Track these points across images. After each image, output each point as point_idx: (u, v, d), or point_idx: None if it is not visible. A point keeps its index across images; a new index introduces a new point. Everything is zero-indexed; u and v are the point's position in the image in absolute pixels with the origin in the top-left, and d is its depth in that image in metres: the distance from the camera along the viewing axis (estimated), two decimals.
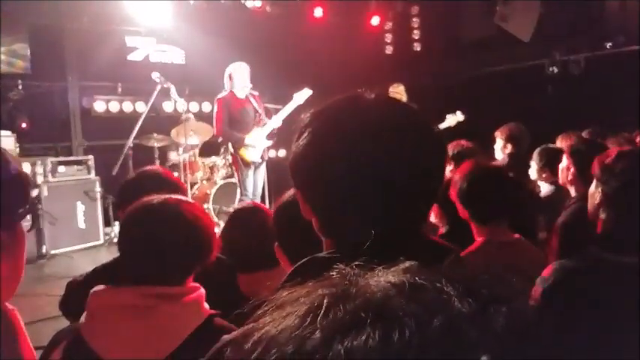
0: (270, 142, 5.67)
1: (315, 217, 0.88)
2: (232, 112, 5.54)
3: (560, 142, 4.00)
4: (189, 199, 1.50)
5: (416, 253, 0.42)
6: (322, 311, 0.36)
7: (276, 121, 5.61)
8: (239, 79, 5.47)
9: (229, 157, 7.43)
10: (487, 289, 0.37)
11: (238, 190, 7.09)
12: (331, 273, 0.42)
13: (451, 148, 3.47)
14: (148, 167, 2.26)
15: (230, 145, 5.76)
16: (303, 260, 0.83)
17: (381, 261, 0.42)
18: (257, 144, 5.52)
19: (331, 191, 0.82)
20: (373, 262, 0.42)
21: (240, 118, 5.57)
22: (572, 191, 2.82)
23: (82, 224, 6.33)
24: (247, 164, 5.54)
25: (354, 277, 0.40)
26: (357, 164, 0.80)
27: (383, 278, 0.38)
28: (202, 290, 1.40)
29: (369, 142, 0.80)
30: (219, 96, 5.60)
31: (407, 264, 0.40)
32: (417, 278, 0.38)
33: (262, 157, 5.62)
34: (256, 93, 5.72)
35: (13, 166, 0.88)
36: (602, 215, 1.57)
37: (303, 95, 5.67)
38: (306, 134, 0.85)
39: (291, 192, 1.37)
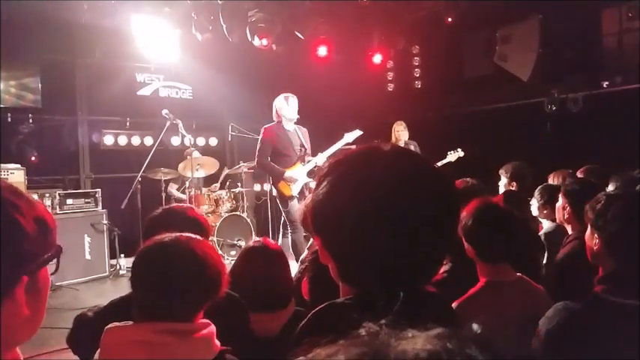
0: (310, 179, 5.42)
1: (332, 262, 0.91)
2: (276, 144, 5.38)
3: (552, 179, 4.07)
4: (212, 238, 1.54)
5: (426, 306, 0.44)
6: None
7: (321, 159, 5.45)
8: (286, 110, 5.37)
9: (235, 190, 7.54)
10: (512, 354, 0.42)
11: (243, 222, 7.12)
12: (360, 331, 0.45)
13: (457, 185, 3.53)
14: (175, 205, 2.30)
15: (270, 178, 5.64)
16: (322, 306, 0.87)
17: (408, 321, 0.45)
18: (297, 180, 5.36)
19: (348, 239, 0.86)
20: (401, 322, 0.45)
21: (284, 150, 5.40)
22: (569, 229, 2.87)
23: (87, 256, 6.36)
24: (286, 198, 5.34)
25: (386, 337, 0.42)
26: (373, 214, 0.83)
27: (418, 344, 0.41)
28: (213, 326, 1.44)
29: (386, 193, 0.83)
30: (266, 125, 5.48)
31: (439, 330, 0.43)
32: (448, 345, 0.40)
33: (303, 192, 5.41)
34: (305, 129, 5.61)
35: (37, 209, 0.83)
36: (603, 260, 1.60)
37: (353, 135, 5.72)
38: (325, 183, 0.90)
39: None
